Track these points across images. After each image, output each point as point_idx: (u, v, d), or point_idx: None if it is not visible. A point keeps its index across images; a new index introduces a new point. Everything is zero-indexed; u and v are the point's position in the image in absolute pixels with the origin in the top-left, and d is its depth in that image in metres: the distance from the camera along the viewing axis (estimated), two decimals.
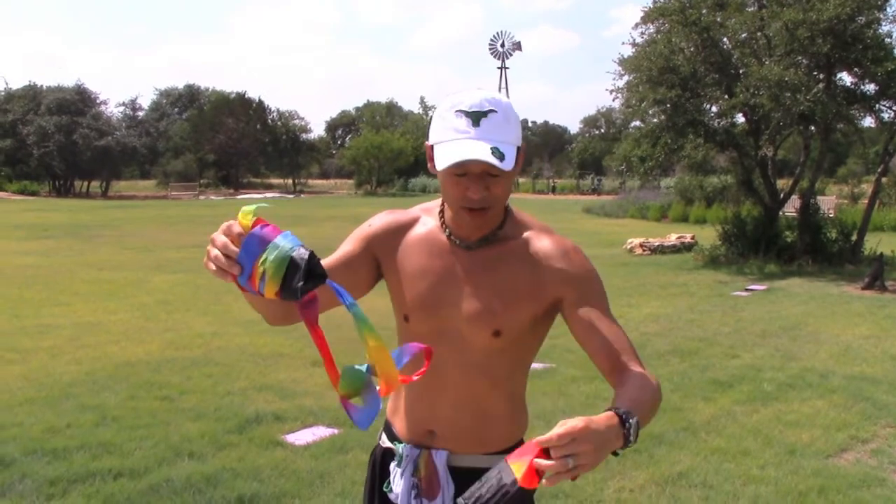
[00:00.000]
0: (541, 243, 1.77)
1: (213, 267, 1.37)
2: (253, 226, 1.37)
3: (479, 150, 1.58)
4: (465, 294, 1.76)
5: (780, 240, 15.30)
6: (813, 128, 14.94)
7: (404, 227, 1.85)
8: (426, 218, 1.86)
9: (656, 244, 17.48)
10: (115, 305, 9.95)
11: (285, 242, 1.36)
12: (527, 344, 1.82)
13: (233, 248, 1.35)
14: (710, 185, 27.96)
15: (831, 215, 18.45)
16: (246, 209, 1.39)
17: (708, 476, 4.47)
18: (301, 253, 1.35)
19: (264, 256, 1.34)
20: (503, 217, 1.79)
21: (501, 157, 1.59)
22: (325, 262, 1.81)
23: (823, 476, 4.49)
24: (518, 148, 1.66)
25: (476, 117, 1.61)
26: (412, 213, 1.88)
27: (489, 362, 1.78)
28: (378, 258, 1.85)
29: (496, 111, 1.62)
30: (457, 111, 1.63)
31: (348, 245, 1.86)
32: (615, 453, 1.39)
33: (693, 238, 18.18)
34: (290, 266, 1.34)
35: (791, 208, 17.19)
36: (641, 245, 17.44)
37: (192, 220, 27.29)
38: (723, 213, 20.11)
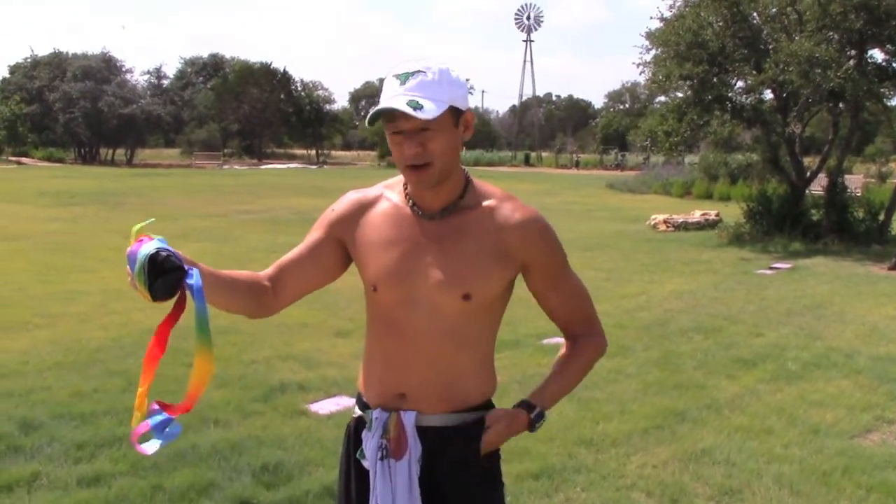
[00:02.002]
0: (506, 211, 1.85)
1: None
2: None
3: (395, 102, 1.69)
4: (432, 262, 1.83)
5: (805, 218, 15.14)
6: (842, 105, 14.73)
7: (367, 205, 1.92)
8: (389, 193, 1.93)
9: (680, 221, 17.36)
10: None
11: (143, 250, 1.40)
12: (496, 308, 1.90)
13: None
14: (735, 161, 27.67)
15: (858, 194, 18.19)
16: (134, 229, 1.46)
17: (731, 454, 4.46)
18: (151, 254, 1.40)
19: (136, 270, 1.41)
20: (464, 187, 1.86)
21: (418, 107, 1.67)
22: (293, 252, 1.94)
23: (848, 456, 4.47)
24: (456, 108, 1.74)
25: (404, 77, 1.72)
26: (375, 190, 1.95)
27: (459, 326, 1.85)
28: (343, 240, 1.92)
29: (424, 72, 1.72)
30: (392, 75, 1.75)
31: (313, 233, 1.95)
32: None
33: (717, 215, 18.03)
34: (149, 271, 1.40)
35: (818, 186, 16.99)
36: (665, 221, 17.32)
37: (216, 189, 27.40)
38: (748, 191, 19.90)
